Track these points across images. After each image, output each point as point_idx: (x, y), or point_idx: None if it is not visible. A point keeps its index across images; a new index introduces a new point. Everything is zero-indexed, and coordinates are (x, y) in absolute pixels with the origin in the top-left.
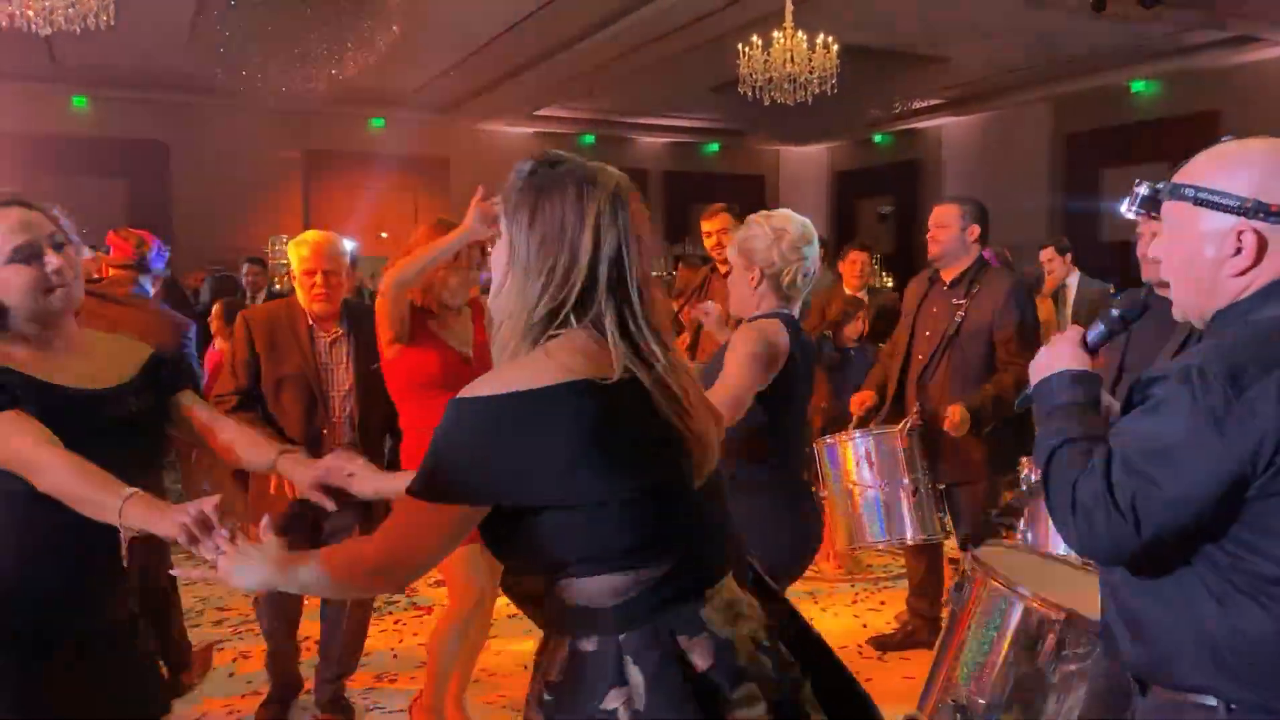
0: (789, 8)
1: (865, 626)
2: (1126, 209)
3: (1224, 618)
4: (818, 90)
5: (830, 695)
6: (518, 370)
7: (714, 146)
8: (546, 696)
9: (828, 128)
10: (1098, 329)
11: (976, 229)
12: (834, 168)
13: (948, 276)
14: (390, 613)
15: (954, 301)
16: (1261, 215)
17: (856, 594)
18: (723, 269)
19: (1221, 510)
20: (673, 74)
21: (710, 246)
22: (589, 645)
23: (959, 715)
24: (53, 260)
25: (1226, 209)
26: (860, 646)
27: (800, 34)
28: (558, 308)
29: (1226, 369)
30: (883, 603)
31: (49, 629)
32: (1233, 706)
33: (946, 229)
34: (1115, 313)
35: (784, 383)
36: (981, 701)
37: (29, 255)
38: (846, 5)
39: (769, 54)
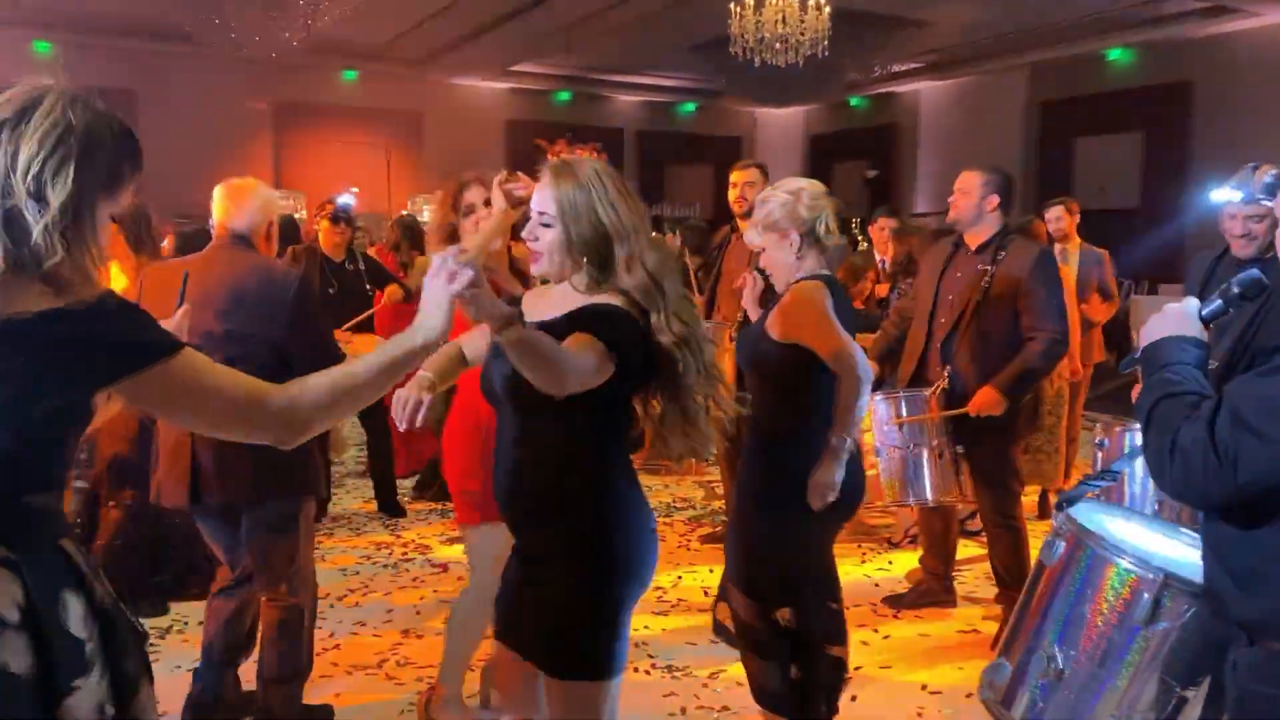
0: None
1: (877, 586)
2: (1258, 193)
3: None
4: (809, 52)
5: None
6: None
7: (690, 106)
8: None
9: (812, 89)
10: (1215, 303)
11: (995, 199)
12: (810, 130)
13: (973, 243)
14: (407, 569)
15: (980, 267)
16: None
17: (864, 554)
18: (742, 225)
19: None
20: (652, 31)
21: (734, 199)
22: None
23: (1050, 665)
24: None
25: None
26: (875, 605)
27: None
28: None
29: None
30: (890, 562)
31: None
32: None
33: (966, 195)
34: (1236, 290)
35: None
36: (1073, 655)
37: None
38: None
39: (760, 14)
